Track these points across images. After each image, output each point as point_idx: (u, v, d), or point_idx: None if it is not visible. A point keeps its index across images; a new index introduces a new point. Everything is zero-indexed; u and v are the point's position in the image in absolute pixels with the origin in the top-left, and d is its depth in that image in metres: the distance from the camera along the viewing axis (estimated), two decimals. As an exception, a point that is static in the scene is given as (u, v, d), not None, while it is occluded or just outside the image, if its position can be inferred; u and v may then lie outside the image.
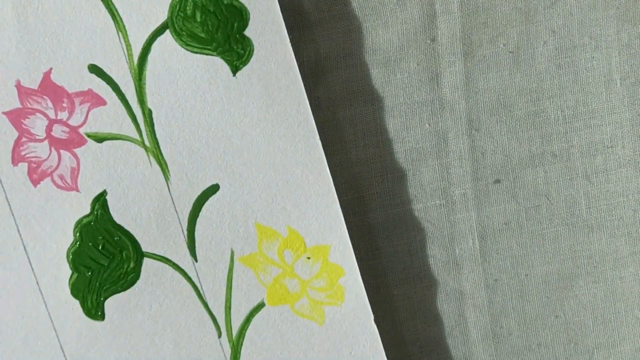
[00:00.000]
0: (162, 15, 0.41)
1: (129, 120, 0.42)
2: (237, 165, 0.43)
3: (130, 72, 0.42)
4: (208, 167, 0.43)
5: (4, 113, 0.41)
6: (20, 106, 0.41)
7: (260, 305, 0.45)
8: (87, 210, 0.43)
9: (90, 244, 0.43)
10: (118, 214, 0.43)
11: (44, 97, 0.42)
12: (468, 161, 0.45)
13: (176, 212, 0.43)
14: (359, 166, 0.45)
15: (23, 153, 0.42)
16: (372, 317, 0.45)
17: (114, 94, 0.42)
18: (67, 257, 0.43)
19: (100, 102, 0.42)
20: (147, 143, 0.42)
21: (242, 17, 0.42)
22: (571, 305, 0.48)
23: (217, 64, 0.42)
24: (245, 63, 0.42)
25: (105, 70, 0.42)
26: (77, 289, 0.43)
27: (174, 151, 0.43)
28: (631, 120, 0.46)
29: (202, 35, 0.42)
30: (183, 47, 0.42)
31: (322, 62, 0.44)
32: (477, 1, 0.44)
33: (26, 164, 0.42)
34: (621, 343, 0.48)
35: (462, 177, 0.46)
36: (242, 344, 0.45)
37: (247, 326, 0.45)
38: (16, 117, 0.42)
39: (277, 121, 0.43)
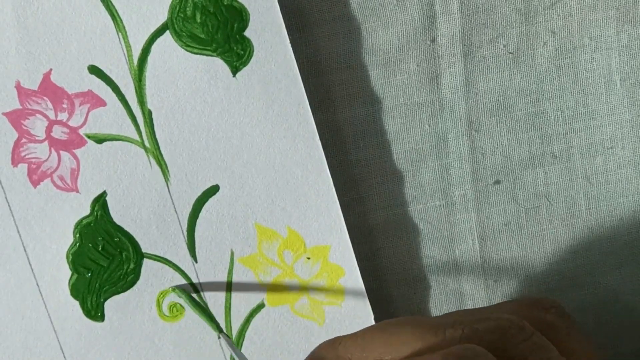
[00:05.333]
0: (162, 16, 0.41)
1: (128, 121, 0.42)
2: (237, 166, 0.43)
3: (130, 73, 0.42)
4: (208, 168, 0.43)
5: (3, 114, 0.41)
6: (20, 107, 0.41)
7: (260, 306, 0.45)
8: (87, 211, 0.43)
9: (90, 245, 0.43)
10: (118, 215, 0.43)
11: (44, 98, 0.42)
12: (468, 162, 0.45)
13: (176, 213, 0.43)
14: (359, 167, 0.45)
15: (23, 154, 0.42)
16: (372, 317, 0.45)
17: (113, 95, 0.42)
18: (67, 258, 0.43)
19: (100, 103, 0.42)
20: (147, 144, 0.42)
21: (242, 17, 0.42)
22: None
23: (217, 65, 0.42)
24: (245, 64, 0.42)
25: (105, 71, 0.42)
26: (77, 290, 0.43)
27: (174, 152, 0.43)
28: (631, 121, 0.46)
29: (202, 36, 0.42)
30: (183, 48, 0.42)
31: (322, 63, 0.44)
32: (477, 2, 0.44)
33: (26, 165, 0.42)
34: (621, 343, 0.48)
35: (462, 178, 0.46)
36: (242, 345, 0.45)
37: (247, 326, 0.45)
38: (16, 118, 0.42)
39: (277, 122, 0.43)
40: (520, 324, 0.38)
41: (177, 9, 0.41)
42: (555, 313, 0.41)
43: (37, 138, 0.42)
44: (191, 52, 0.42)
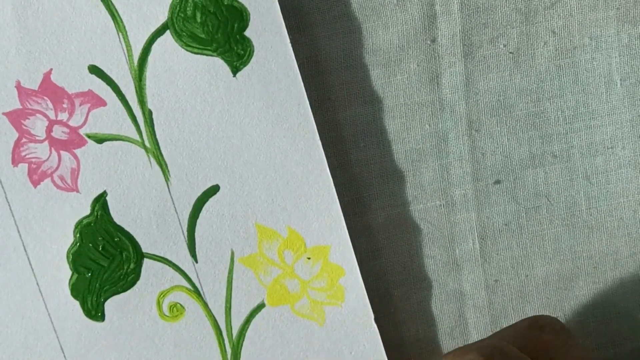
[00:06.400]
0: (162, 16, 0.41)
1: (129, 121, 0.42)
2: (237, 166, 0.43)
3: (131, 72, 0.42)
4: (208, 168, 0.43)
5: (4, 114, 0.41)
6: (20, 107, 0.41)
7: (261, 306, 0.45)
8: (87, 211, 0.43)
9: (90, 244, 0.43)
10: (118, 215, 0.43)
11: (44, 97, 0.42)
12: (468, 162, 0.45)
13: (176, 212, 0.43)
14: (359, 167, 0.45)
15: (23, 154, 0.42)
16: (372, 317, 0.45)
17: (114, 95, 0.42)
18: (67, 257, 0.43)
19: (101, 102, 0.42)
20: (147, 144, 0.42)
21: (242, 17, 0.42)
22: (571, 305, 0.48)
23: (218, 65, 0.42)
24: (245, 64, 0.42)
25: (105, 71, 0.42)
26: (77, 290, 0.43)
27: (174, 152, 0.43)
28: (631, 121, 0.46)
29: (203, 35, 0.42)
30: (183, 48, 0.42)
31: (322, 63, 0.44)
32: (477, 2, 0.44)
33: (26, 165, 0.42)
34: (621, 343, 0.48)
35: (462, 178, 0.46)
36: (242, 345, 0.45)
37: (247, 327, 0.45)
38: (16, 117, 0.42)
39: (277, 122, 0.43)
40: (505, 349, 0.38)
41: (178, 8, 0.41)
42: (550, 331, 0.41)
43: (37, 138, 0.42)
44: (191, 52, 0.42)
